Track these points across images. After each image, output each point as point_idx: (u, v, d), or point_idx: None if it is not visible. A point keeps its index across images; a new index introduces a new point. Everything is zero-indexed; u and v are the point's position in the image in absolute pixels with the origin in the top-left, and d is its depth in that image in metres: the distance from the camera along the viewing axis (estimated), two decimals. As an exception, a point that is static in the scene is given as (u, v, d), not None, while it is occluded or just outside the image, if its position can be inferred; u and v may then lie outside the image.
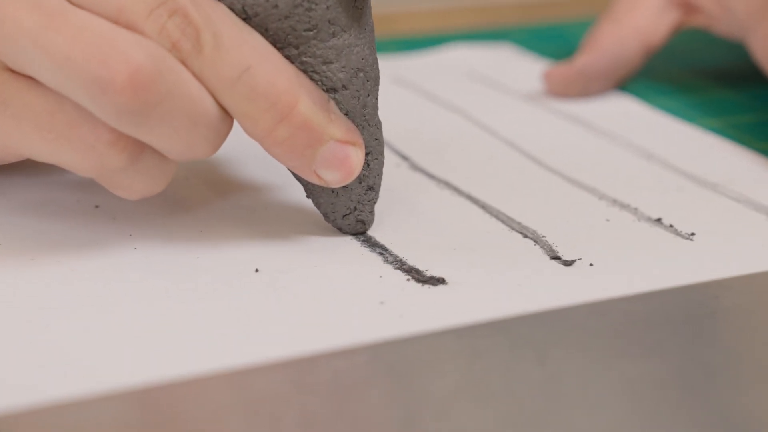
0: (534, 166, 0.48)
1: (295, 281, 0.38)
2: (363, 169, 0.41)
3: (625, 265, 0.40)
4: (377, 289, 0.38)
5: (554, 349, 0.34)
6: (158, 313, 0.36)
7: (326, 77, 0.40)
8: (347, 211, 0.42)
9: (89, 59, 0.36)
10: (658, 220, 0.43)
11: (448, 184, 0.46)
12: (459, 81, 0.59)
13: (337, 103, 0.40)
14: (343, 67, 0.40)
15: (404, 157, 0.49)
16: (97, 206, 0.43)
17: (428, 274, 0.39)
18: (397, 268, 0.39)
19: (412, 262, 0.40)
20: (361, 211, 0.42)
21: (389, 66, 0.61)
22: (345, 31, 0.40)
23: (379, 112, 0.41)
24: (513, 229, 0.42)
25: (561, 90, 0.56)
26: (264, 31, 0.39)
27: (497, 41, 0.65)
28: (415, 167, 0.48)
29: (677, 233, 0.42)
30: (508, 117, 0.54)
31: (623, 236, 0.42)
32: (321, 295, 0.37)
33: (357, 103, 0.41)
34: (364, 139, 0.40)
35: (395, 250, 0.41)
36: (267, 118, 0.38)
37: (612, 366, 0.34)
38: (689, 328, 0.36)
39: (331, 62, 0.40)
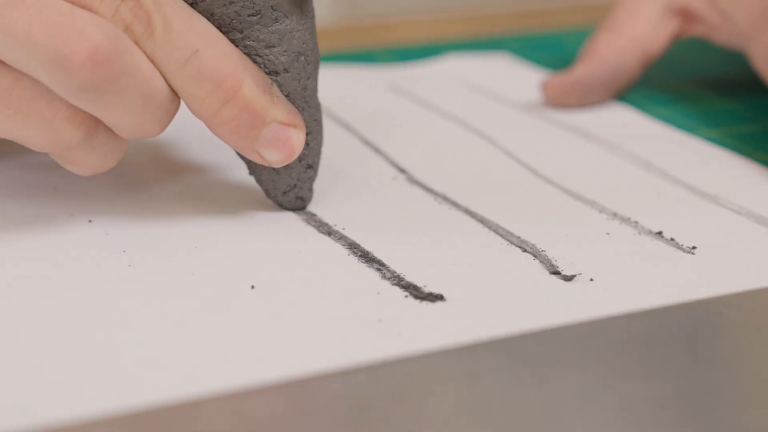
0: (533, 178, 0.48)
1: (291, 298, 0.38)
2: (303, 149, 0.43)
3: (627, 281, 0.39)
4: (375, 305, 0.37)
5: (554, 368, 0.34)
6: (150, 334, 0.36)
7: (269, 60, 0.42)
8: (287, 188, 0.44)
9: (50, 37, 0.37)
10: (659, 233, 0.42)
11: (446, 198, 0.46)
12: (457, 92, 0.58)
13: (279, 85, 0.42)
14: (285, 51, 0.42)
15: (401, 170, 0.48)
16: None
17: (426, 290, 0.38)
18: (395, 284, 0.39)
19: (410, 277, 0.39)
20: (301, 188, 0.44)
21: (386, 76, 0.60)
22: (287, 17, 0.42)
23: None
24: (512, 243, 0.42)
25: (559, 100, 0.56)
26: (210, 16, 0.41)
27: (494, 51, 0.64)
28: (412, 180, 0.47)
29: (678, 247, 0.41)
30: (507, 128, 0.53)
31: (624, 250, 0.41)
32: (318, 313, 0.37)
33: (298, 85, 0.43)
34: (304, 120, 0.43)
35: (393, 266, 0.40)
36: (213, 100, 0.40)
37: (612, 386, 0.33)
38: (691, 346, 0.35)
39: (274, 46, 0.42)
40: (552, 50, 0.65)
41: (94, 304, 0.37)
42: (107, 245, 0.41)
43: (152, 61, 0.40)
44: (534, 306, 0.37)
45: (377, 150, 0.50)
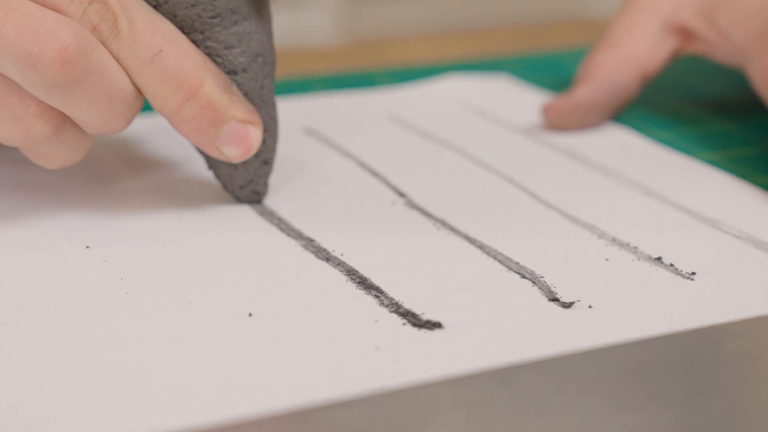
0: (532, 203, 0.47)
1: (289, 325, 0.38)
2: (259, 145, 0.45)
3: (626, 308, 0.39)
4: (372, 333, 0.37)
5: (553, 398, 0.34)
6: (146, 364, 0.35)
7: (228, 60, 0.44)
8: (244, 183, 0.46)
9: (21, 36, 0.40)
10: (659, 258, 0.42)
11: (444, 223, 0.45)
12: (456, 114, 0.58)
13: (238, 84, 0.44)
14: (244, 51, 0.44)
15: (401, 194, 0.48)
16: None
17: (425, 317, 0.38)
18: (393, 312, 0.39)
19: (408, 305, 0.39)
20: (257, 183, 0.46)
21: (385, 100, 0.60)
22: (246, 20, 0.44)
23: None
24: (511, 269, 0.42)
25: (560, 123, 0.55)
26: (173, 18, 0.43)
27: (493, 71, 0.64)
28: (411, 205, 0.47)
29: (678, 272, 0.41)
30: (506, 153, 0.53)
31: (623, 276, 0.41)
32: (316, 341, 0.37)
33: (255, 84, 0.45)
34: (261, 118, 0.45)
35: (391, 293, 0.40)
36: (175, 98, 0.43)
37: (612, 415, 0.33)
38: (691, 375, 0.35)
39: (233, 47, 0.44)
40: (551, 70, 0.65)
41: (90, 335, 0.37)
42: (105, 272, 0.41)
43: (118, 60, 0.42)
44: (533, 334, 0.37)
45: (376, 174, 0.50)
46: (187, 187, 0.48)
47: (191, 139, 0.44)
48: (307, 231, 0.44)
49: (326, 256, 0.42)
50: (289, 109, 0.58)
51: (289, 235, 0.44)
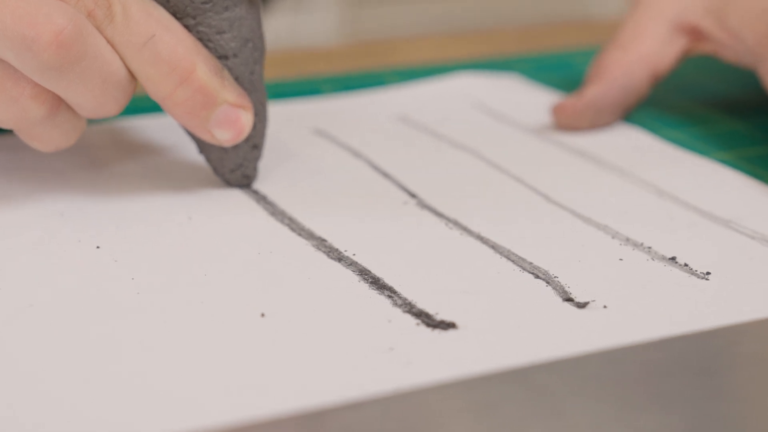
0: (544, 203, 0.47)
1: (302, 326, 0.37)
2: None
3: (641, 308, 0.39)
4: (386, 334, 0.37)
5: (568, 399, 0.33)
6: (158, 365, 0.35)
7: (219, 45, 0.45)
8: (234, 167, 0.47)
9: (18, 20, 0.41)
10: (673, 258, 0.42)
11: (457, 223, 0.45)
12: (466, 114, 0.58)
13: (229, 69, 0.45)
14: (235, 36, 0.45)
15: (412, 195, 0.48)
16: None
17: (438, 317, 0.38)
18: (406, 312, 0.38)
19: (421, 305, 0.39)
20: (247, 167, 0.47)
21: (395, 100, 0.60)
22: (237, 6, 0.45)
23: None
24: (524, 269, 0.41)
25: (570, 123, 0.55)
26: (165, 3, 0.44)
27: (503, 71, 0.64)
28: (423, 205, 0.47)
29: (692, 272, 0.41)
30: (518, 153, 0.53)
31: (637, 277, 0.41)
32: (328, 342, 0.36)
33: (246, 69, 0.46)
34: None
35: (404, 293, 0.40)
36: (168, 82, 0.44)
37: (628, 418, 0.33)
38: (707, 376, 0.35)
39: (224, 32, 0.45)
40: (560, 70, 0.64)
41: (101, 335, 0.37)
42: (116, 271, 0.41)
43: (112, 45, 0.43)
44: (548, 335, 0.37)
45: (387, 175, 0.50)
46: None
47: (183, 122, 0.45)
48: (319, 231, 0.44)
49: (338, 256, 0.42)
50: (298, 110, 0.58)
51: (300, 235, 0.44)
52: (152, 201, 0.47)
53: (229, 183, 0.48)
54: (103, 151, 0.51)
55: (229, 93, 0.45)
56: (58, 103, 0.44)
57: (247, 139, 0.47)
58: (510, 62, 0.66)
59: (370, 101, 0.59)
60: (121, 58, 0.43)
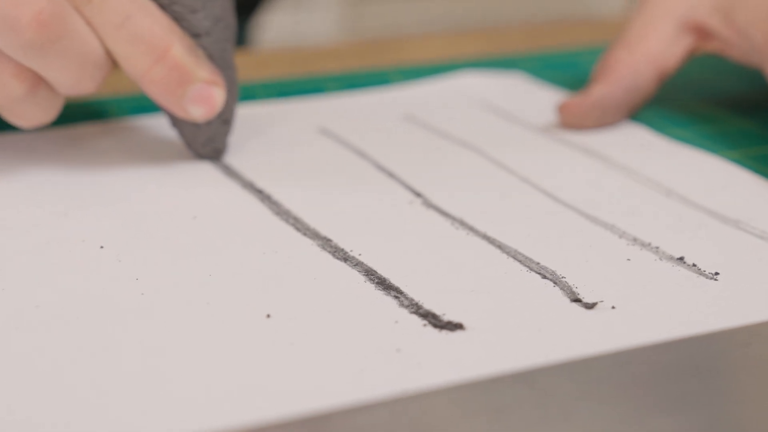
0: (551, 203, 0.47)
1: (308, 327, 0.37)
2: None
3: (649, 309, 0.38)
4: (393, 335, 0.37)
5: (578, 401, 0.33)
6: (163, 366, 0.35)
7: (193, 24, 0.47)
8: (206, 141, 0.49)
9: (0, 2, 0.43)
10: (681, 258, 0.42)
11: (463, 223, 0.45)
12: (471, 113, 0.58)
13: (202, 47, 0.47)
14: (207, 15, 0.47)
15: (418, 194, 0.48)
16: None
17: (445, 318, 0.38)
18: (413, 313, 0.38)
19: (428, 306, 0.38)
20: (218, 141, 0.50)
21: (400, 98, 0.59)
22: None
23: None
24: (531, 269, 0.41)
25: (577, 122, 0.55)
26: None
27: (508, 69, 0.64)
28: (429, 204, 0.47)
29: (701, 273, 0.41)
30: (524, 152, 0.52)
31: (645, 277, 0.40)
32: (335, 343, 0.36)
33: (218, 47, 0.48)
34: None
35: (410, 293, 0.39)
36: (145, 60, 0.46)
37: (638, 420, 0.32)
38: (717, 377, 0.34)
39: (197, 11, 0.47)
40: (566, 69, 0.64)
41: (106, 336, 0.37)
42: (120, 272, 0.41)
43: (90, 24, 0.45)
44: (556, 336, 0.37)
45: (392, 174, 0.50)
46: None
47: (159, 99, 0.47)
48: (324, 231, 0.44)
49: (344, 256, 0.42)
50: (303, 109, 0.57)
51: (305, 234, 0.44)
52: (159, 200, 0.47)
53: (201, 156, 0.50)
54: (106, 150, 0.51)
55: (203, 71, 0.47)
56: (38, 82, 0.46)
57: (219, 115, 0.49)
58: (515, 61, 0.65)
59: (375, 100, 0.59)
60: (99, 38, 0.45)
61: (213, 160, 0.50)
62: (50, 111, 0.47)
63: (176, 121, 0.49)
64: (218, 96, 0.48)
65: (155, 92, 0.47)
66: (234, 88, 0.49)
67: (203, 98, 0.47)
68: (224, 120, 0.49)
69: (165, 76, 0.46)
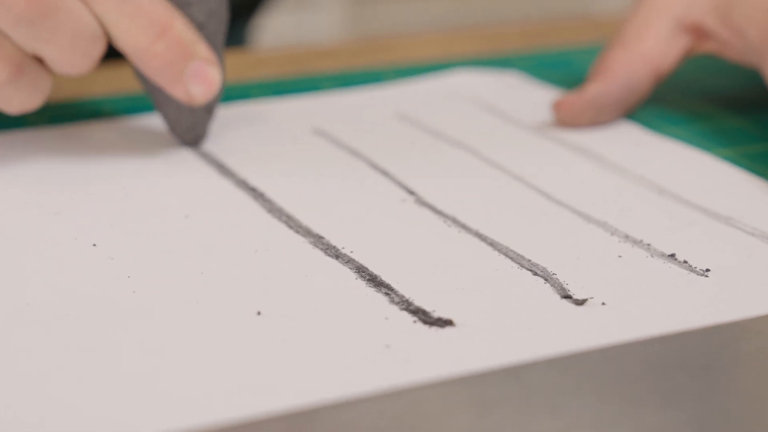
0: (544, 200, 0.47)
1: (298, 324, 0.37)
2: None
3: (640, 305, 0.38)
4: (383, 331, 0.37)
5: (567, 397, 0.33)
6: (153, 363, 0.35)
7: (187, 17, 0.48)
8: (188, 127, 0.50)
9: None
10: (672, 255, 0.42)
11: (455, 220, 0.45)
12: (466, 111, 0.58)
13: None
14: (201, 9, 0.48)
15: (411, 192, 0.48)
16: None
17: (435, 315, 0.38)
18: (404, 309, 0.38)
19: (418, 302, 0.38)
20: (199, 128, 0.51)
21: (394, 97, 0.59)
22: None
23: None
24: (522, 266, 0.41)
25: (571, 120, 0.55)
26: None
27: (504, 68, 0.64)
28: (421, 202, 0.47)
29: (692, 269, 0.41)
30: (517, 150, 0.52)
31: (636, 274, 0.41)
32: (325, 339, 0.36)
33: (210, 41, 0.49)
34: None
35: (401, 290, 0.39)
36: (147, 34, 0.46)
37: (627, 415, 0.32)
38: (707, 373, 0.34)
39: (192, 4, 0.48)
40: (561, 68, 0.64)
41: (97, 334, 0.37)
42: (112, 270, 0.41)
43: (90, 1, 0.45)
44: (546, 332, 0.37)
45: (385, 172, 0.50)
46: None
47: (158, 75, 0.47)
48: (317, 228, 0.44)
49: (335, 254, 0.42)
50: (296, 108, 0.57)
51: (297, 232, 0.44)
52: (152, 198, 0.47)
53: (183, 140, 0.51)
54: (99, 149, 0.51)
55: (202, 48, 0.48)
56: (22, 67, 0.46)
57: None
58: (511, 60, 0.66)
59: (370, 98, 0.59)
60: (97, 13, 0.45)
61: (193, 146, 0.51)
62: (36, 96, 0.47)
63: (161, 105, 0.50)
64: (215, 76, 0.48)
65: (155, 67, 0.47)
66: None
67: (203, 76, 0.48)
68: (207, 108, 0.50)
69: (167, 51, 0.47)
